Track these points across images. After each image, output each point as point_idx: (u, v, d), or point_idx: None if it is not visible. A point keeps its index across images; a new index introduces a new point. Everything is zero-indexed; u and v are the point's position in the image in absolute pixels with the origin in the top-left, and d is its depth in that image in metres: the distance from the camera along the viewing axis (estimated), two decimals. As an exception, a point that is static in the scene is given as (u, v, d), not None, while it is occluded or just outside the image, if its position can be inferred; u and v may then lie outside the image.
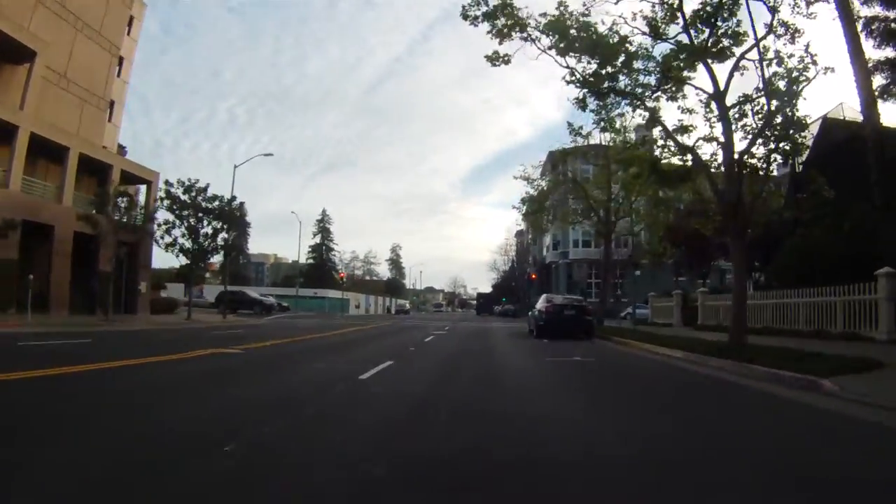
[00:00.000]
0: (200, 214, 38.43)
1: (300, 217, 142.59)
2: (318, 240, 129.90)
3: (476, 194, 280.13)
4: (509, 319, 62.59)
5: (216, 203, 38.89)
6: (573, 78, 19.04)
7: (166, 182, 39.22)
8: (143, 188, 43.54)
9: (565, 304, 28.29)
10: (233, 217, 40.10)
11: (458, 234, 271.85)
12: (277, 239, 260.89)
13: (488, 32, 19.10)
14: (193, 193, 38.28)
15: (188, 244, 38.44)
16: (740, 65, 17.91)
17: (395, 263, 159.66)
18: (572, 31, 18.33)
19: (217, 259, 46.90)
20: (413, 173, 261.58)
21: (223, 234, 40.41)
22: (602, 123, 24.76)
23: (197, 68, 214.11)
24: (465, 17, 19.15)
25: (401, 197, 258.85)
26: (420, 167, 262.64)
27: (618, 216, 43.41)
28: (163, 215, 38.21)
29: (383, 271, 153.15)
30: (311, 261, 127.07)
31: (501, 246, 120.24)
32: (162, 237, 38.45)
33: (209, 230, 39.31)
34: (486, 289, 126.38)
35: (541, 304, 28.53)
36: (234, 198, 40.05)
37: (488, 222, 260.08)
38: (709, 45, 17.87)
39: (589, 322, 27.31)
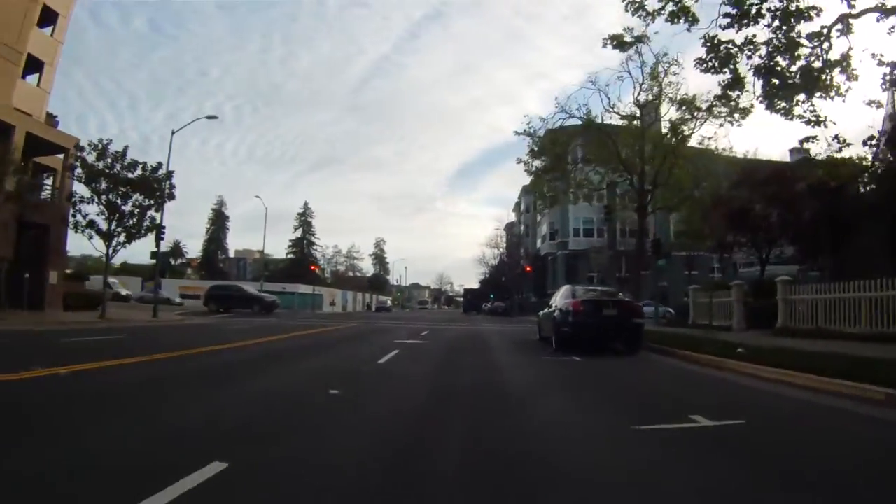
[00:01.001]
0: (124, 189, 30.57)
1: (281, 212, 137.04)
2: (299, 234, 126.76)
3: (463, 192, 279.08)
4: (501, 319, 53.95)
5: (138, 172, 30.98)
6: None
7: (76, 146, 31.46)
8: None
9: (603, 299, 18.48)
10: (156, 188, 31.76)
11: (446, 231, 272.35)
12: (260, 234, 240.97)
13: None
14: (109, 160, 30.37)
15: (106, 224, 30.62)
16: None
17: (380, 259, 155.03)
18: None
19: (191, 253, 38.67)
20: (401, 171, 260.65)
21: (152, 212, 32.66)
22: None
23: (185, 66, 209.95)
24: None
25: (388, 195, 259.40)
26: (407, 165, 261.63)
27: (656, 182, 33.59)
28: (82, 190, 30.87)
29: (367, 267, 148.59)
30: (291, 255, 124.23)
31: (491, 238, 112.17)
32: (74, 215, 30.83)
33: (134, 207, 31.41)
34: (474, 285, 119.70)
35: (563, 298, 18.83)
36: (160, 165, 32.14)
37: (475, 220, 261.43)
38: None
39: (638, 328, 17.44)
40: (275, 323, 33.21)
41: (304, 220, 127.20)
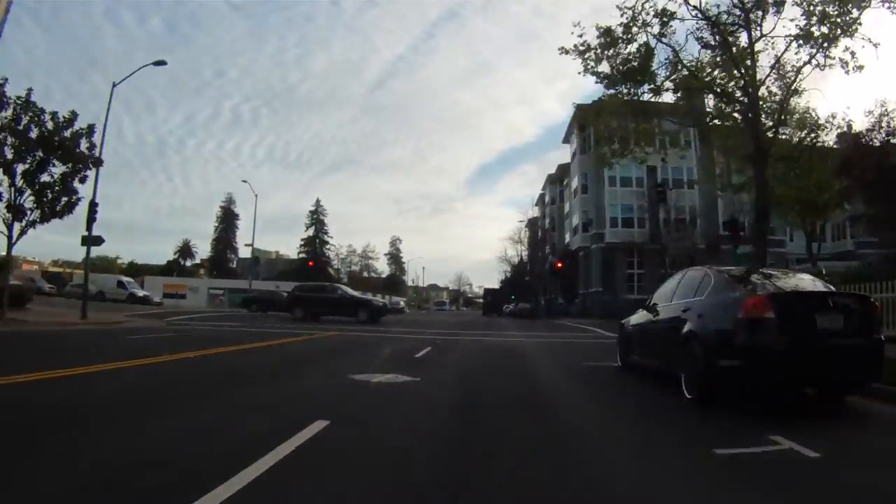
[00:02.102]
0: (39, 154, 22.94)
1: (299, 214, 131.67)
2: (311, 233, 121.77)
3: (482, 193, 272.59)
4: (528, 324, 45.22)
5: (49, 126, 23.20)
6: None
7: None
8: None
9: (817, 294, 8.61)
10: (71, 150, 23.63)
11: (464, 233, 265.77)
12: (279, 236, 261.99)
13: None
14: (11, 112, 22.60)
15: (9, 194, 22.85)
16: None
17: (395, 258, 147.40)
18: None
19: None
20: (418, 172, 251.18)
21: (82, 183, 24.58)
22: None
23: (202, 67, 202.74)
24: None
25: (406, 196, 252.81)
26: (425, 166, 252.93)
27: (778, 119, 23.84)
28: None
29: (383, 267, 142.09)
30: (303, 255, 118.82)
31: (514, 233, 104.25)
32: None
33: (53, 177, 23.68)
34: (494, 285, 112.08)
35: (708, 293, 9.22)
36: (74, 115, 24.09)
37: (494, 221, 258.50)
38: None
39: (876, 350, 7.95)
40: (241, 333, 24.78)
41: (317, 219, 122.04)
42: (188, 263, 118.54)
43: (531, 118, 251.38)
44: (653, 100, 28.20)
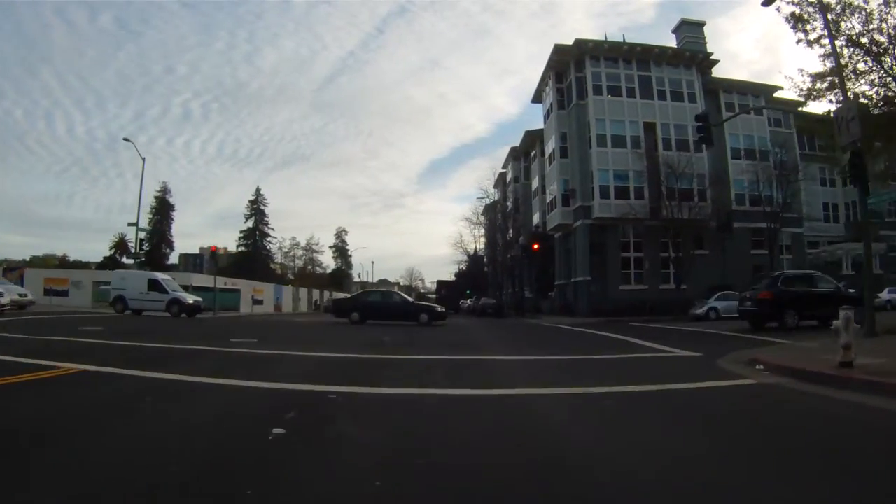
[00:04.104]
0: None
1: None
2: (251, 224, 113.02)
3: (433, 189, 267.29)
4: (501, 328, 32.90)
5: None
6: None
7: None
8: None
9: None
10: None
11: (416, 228, 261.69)
12: (229, 233, 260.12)
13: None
14: None
15: None
16: None
17: (341, 251, 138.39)
18: None
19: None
20: (369, 168, 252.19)
21: None
22: None
23: (151, 63, 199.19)
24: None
25: (357, 192, 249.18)
26: (375, 162, 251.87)
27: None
28: None
29: (329, 262, 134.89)
30: (242, 248, 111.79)
31: (472, 212, 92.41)
32: None
33: None
34: (451, 277, 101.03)
35: None
36: None
37: (445, 217, 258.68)
38: None
39: None
40: None
41: (257, 209, 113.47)
42: (125, 259, 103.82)
43: (481, 114, 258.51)
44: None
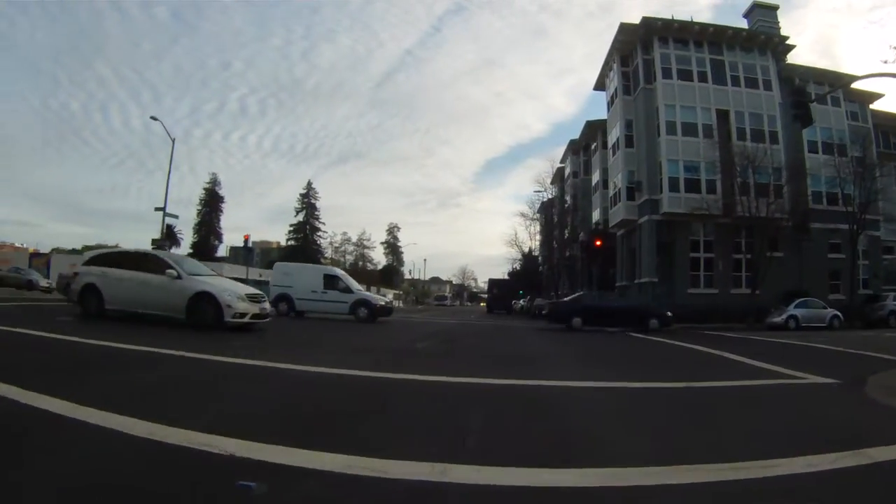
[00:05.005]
0: None
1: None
2: (301, 217, 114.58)
3: (489, 188, 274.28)
4: (559, 332, 30.40)
5: None
6: None
7: None
8: None
9: None
10: None
11: (470, 227, 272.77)
12: (281, 227, 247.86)
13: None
14: None
15: None
16: None
17: (393, 248, 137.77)
18: None
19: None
20: (424, 166, 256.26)
21: None
22: None
23: (207, 57, 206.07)
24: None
25: (412, 190, 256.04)
26: (431, 160, 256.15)
27: None
28: None
29: (380, 257, 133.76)
30: (292, 242, 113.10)
31: (529, 204, 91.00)
32: None
33: None
34: (503, 276, 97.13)
35: None
36: None
37: (501, 216, 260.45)
38: None
39: None
40: None
41: (308, 203, 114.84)
42: (173, 250, 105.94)
43: (539, 114, 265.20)
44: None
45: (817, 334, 27.39)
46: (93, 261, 19.20)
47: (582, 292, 37.32)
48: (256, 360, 10.05)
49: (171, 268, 17.26)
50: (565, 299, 35.70)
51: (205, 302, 16.48)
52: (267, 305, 18.64)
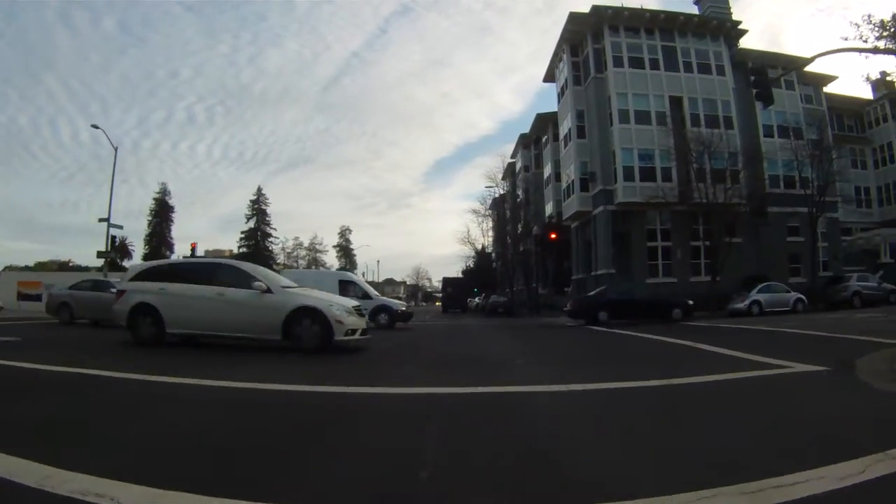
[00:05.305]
0: None
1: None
2: (252, 224, 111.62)
3: (438, 188, 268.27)
4: (509, 325, 29.36)
5: None
6: None
7: None
8: None
9: None
10: None
11: (422, 228, 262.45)
12: (233, 236, 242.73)
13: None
14: None
15: None
16: None
17: (345, 251, 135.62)
18: None
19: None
20: (373, 168, 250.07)
21: None
22: None
23: (155, 68, 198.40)
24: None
25: (362, 192, 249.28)
26: (380, 162, 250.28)
27: None
28: None
29: (332, 261, 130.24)
30: (244, 249, 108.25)
31: (481, 201, 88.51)
32: None
33: None
34: (458, 275, 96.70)
35: None
36: None
37: (451, 215, 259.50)
38: None
39: None
40: None
41: (258, 209, 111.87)
42: (125, 263, 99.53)
43: (486, 112, 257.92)
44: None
45: (783, 319, 26.83)
46: (143, 275, 15.83)
47: (604, 287, 36.25)
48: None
49: (258, 280, 14.40)
50: (590, 294, 34.87)
51: (308, 319, 13.76)
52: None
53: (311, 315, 13.72)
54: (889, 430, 5.47)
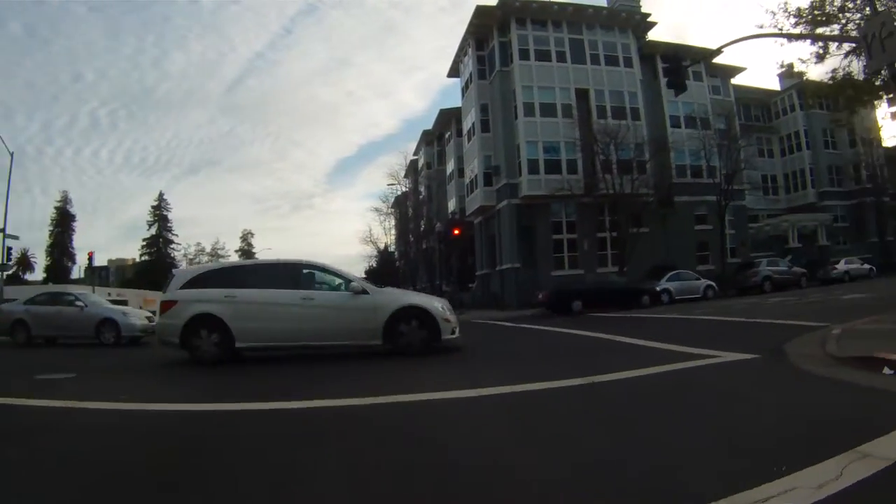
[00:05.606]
0: None
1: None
2: (154, 231, 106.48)
3: (341, 188, 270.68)
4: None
5: None
6: None
7: None
8: None
9: None
10: None
11: (325, 229, 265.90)
12: (136, 243, 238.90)
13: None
14: None
15: None
16: None
17: (248, 255, 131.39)
18: None
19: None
20: (277, 170, 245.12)
21: None
22: None
23: (59, 71, 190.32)
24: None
25: (265, 195, 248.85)
26: (283, 163, 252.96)
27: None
28: None
29: None
30: (146, 257, 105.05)
31: (383, 198, 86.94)
32: None
33: None
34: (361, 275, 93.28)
35: None
36: None
37: (355, 216, 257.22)
38: None
39: None
40: None
41: (160, 215, 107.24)
42: (28, 276, 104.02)
43: (390, 111, 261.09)
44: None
45: (695, 306, 26.99)
46: (197, 281, 13.42)
47: (579, 279, 36.67)
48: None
49: (350, 280, 13.11)
50: (562, 284, 34.44)
51: (415, 319, 12.53)
52: None
53: (416, 315, 12.62)
54: (850, 424, 5.09)
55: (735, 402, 6.31)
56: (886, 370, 7.00)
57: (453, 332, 12.88)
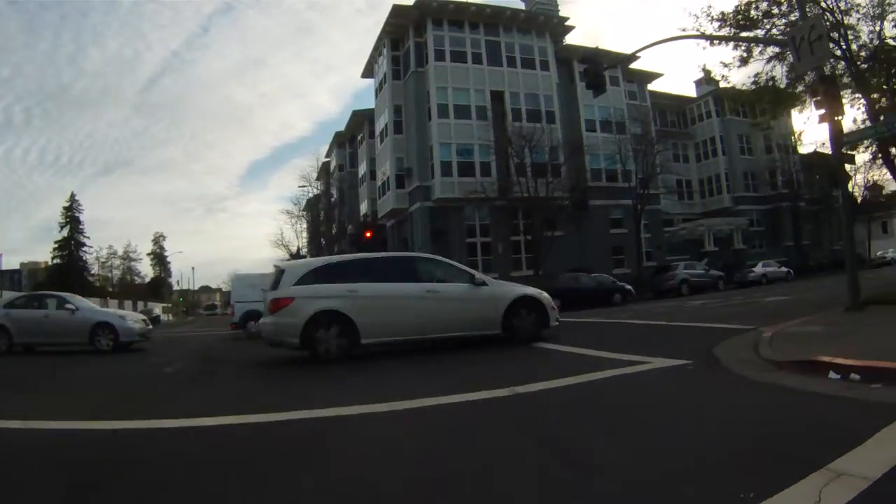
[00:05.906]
0: None
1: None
2: (65, 233, 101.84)
3: (254, 191, 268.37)
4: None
5: None
6: None
7: None
8: None
9: None
10: None
11: (238, 232, 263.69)
12: (49, 246, 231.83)
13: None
14: None
15: None
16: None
17: (160, 258, 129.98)
18: None
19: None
20: (190, 172, 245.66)
21: None
22: None
23: None
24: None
25: (178, 197, 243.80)
26: (197, 165, 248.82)
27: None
28: None
29: (147, 269, 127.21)
30: (57, 261, 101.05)
31: (294, 200, 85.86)
32: None
33: None
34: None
35: None
36: None
37: (267, 218, 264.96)
38: None
39: None
40: None
41: (72, 217, 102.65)
42: None
43: (303, 113, 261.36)
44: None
45: (612, 310, 27.01)
46: (313, 276, 12.73)
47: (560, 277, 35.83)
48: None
49: (471, 272, 13.21)
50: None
51: (525, 309, 12.98)
52: None
53: (527, 304, 13.15)
54: (812, 436, 4.72)
55: (677, 415, 5.75)
56: (832, 375, 6.78)
57: (557, 321, 13.47)
